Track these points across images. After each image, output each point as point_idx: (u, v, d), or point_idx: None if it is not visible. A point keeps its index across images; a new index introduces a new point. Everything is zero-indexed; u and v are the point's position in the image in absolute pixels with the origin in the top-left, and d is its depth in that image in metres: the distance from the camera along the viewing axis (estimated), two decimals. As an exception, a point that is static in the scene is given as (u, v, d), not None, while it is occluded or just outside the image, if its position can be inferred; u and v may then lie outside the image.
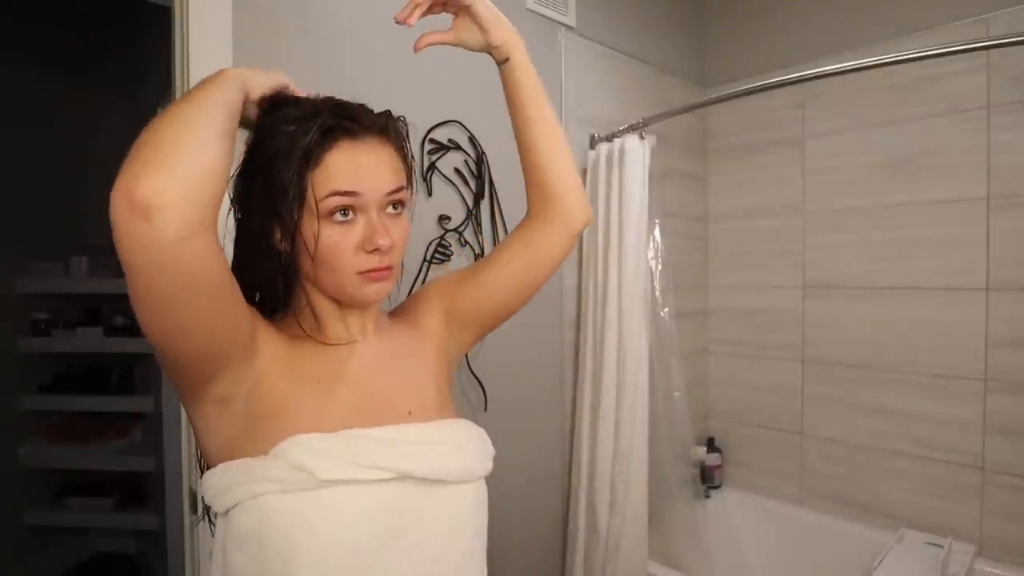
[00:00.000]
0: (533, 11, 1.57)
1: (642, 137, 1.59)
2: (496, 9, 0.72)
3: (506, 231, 1.48)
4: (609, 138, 1.65)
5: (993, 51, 1.49)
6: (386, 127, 0.65)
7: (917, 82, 1.69)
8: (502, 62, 0.74)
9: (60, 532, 2.36)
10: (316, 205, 0.59)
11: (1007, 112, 1.55)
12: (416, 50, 0.73)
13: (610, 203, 1.61)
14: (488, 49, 0.73)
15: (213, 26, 1.01)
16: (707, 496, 2.02)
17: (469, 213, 1.42)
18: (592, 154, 1.68)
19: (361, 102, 0.66)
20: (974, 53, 1.23)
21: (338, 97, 0.66)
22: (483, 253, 1.44)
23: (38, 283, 2.28)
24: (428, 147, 1.33)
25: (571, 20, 1.66)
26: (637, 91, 1.89)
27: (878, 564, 1.40)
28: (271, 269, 0.65)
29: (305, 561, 0.55)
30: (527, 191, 0.78)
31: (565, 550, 1.67)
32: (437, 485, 0.63)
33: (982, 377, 1.59)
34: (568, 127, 1.66)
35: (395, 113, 0.69)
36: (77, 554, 2.43)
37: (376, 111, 0.66)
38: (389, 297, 0.78)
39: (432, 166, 1.34)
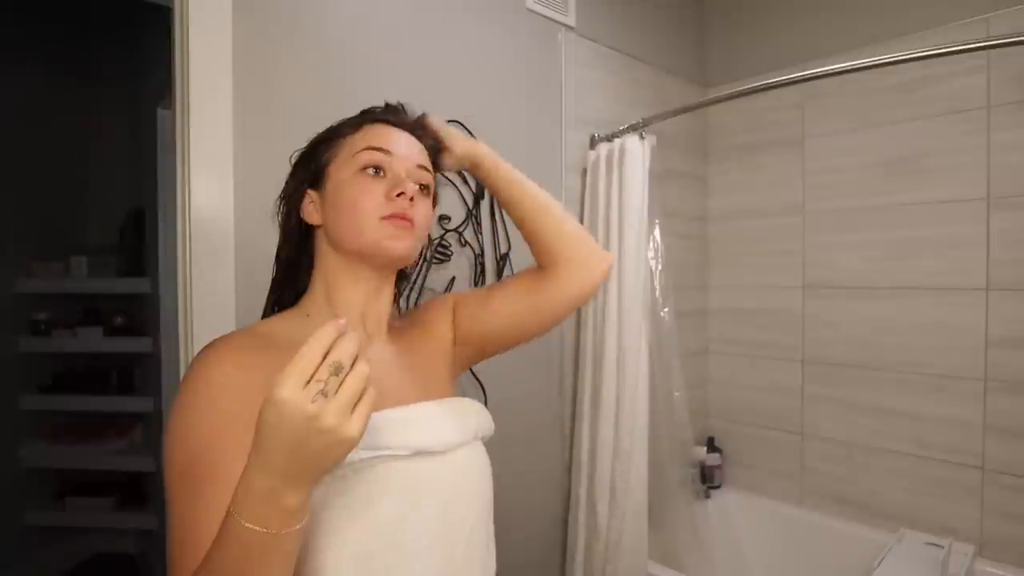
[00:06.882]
0: (533, 11, 1.57)
1: (642, 137, 1.58)
2: (451, 130, 0.79)
3: (506, 231, 1.48)
4: (609, 138, 1.65)
5: (993, 51, 1.49)
6: (419, 125, 0.75)
7: (917, 82, 1.68)
8: (475, 169, 0.81)
9: (60, 532, 2.36)
10: (347, 162, 0.67)
11: (1007, 112, 1.55)
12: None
13: (610, 203, 1.61)
14: (459, 165, 0.80)
15: (213, 26, 1.01)
16: (707, 496, 2.02)
17: (469, 213, 1.42)
18: (592, 154, 1.67)
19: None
20: (974, 53, 1.23)
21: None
22: (483, 253, 1.44)
23: (38, 283, 2.28)
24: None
25: (571, 20, 1.66)
26: (637, 91, 1.89)
27: (878, 564, 1.40)
28: (300, 242, 0.70)
29: (334, 545, 0.56)
30: (534, 255, 0.83)
31: (565, 549, 1.67)
32: (448, 454, 0.66)
33: (982, 377, 1.59)
34: (568, 127, 1.66)
35: None
36: (77, 554, 2.43)
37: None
38: (399, 308, 0.80)
39: (432, 166, 1.34)
